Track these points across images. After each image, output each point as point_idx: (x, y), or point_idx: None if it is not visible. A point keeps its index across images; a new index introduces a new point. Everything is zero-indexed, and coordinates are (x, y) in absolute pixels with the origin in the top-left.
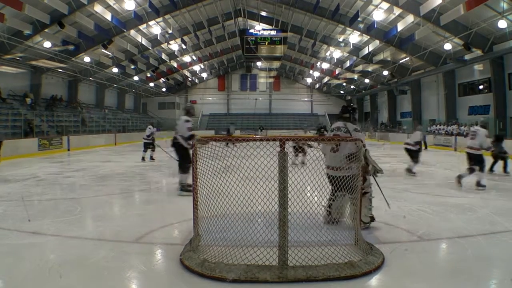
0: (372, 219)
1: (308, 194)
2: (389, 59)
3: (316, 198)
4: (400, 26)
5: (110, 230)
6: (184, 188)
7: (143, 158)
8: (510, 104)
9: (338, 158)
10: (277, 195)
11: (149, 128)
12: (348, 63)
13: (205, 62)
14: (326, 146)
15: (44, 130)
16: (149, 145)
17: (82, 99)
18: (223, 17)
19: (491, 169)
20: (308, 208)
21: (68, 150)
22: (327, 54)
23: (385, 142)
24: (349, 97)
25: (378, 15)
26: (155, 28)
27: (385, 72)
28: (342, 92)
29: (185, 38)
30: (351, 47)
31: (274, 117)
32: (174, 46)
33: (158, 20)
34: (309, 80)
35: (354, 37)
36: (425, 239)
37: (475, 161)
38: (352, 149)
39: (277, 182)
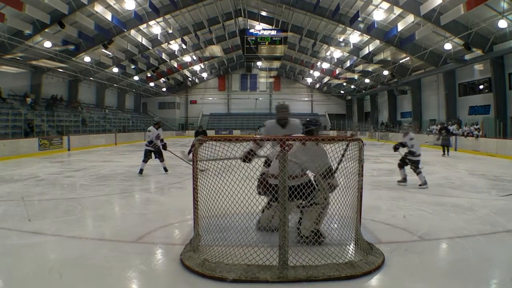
0: (317, 235)
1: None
2: (389, 59)
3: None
4: (400, 26)
5: (110, 230)
6: None
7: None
8: (510, 104)
9: (294, 166)
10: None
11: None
12: (348, 63)
13: (205, 62)
14: (275, 151)
15: (44, 130)
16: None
17: (82, 99)
18: (223, 17)
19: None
20: None
21: (69, 150)
22: (327, 54)
23: (385, 142)
24: (349, 97)
25: (378, 15)
26: (155, 28)
27: (386, 72)
28: (342, 92)
29: (185, 38)
30: (351, 47)
31: (274, 117)
32: (174, 46)
33: (158, 20)
34: (309, 80)
35: (354, 37)
36: (425, 239)
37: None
38: (327, 162)
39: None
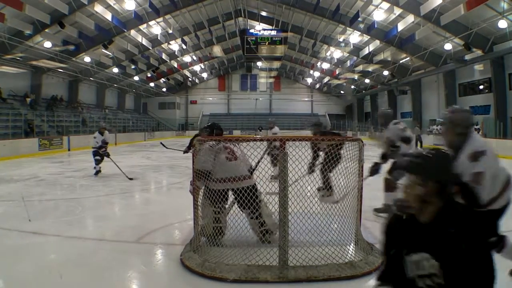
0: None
1: (309, 194)
2: (389, 59)
3: (316, 198)
4: (400, 26)
5: (111, 230)
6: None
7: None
8: (510, 104)
9: (238, 167)
10: (277, 195)
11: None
12: (348, 63)
13: (205, 62)
14: (212, 157)
15: (45, 130)
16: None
17: (83, 99)
18: (223, 17)
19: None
20: (309, 208)
21: (69, 150)
22: (328, 54)
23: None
24: (350, 97)
25: (379, 15)
26: (156, 28)
27: (386, 72)
28: (342, 92)
29: (186, 38)
30: (352, 47)
31: (274, 117)
32: (175, 46)
33: (158, 20)
34: (309, 80)
35: (355, 37)
36: None
37: None
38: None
39: (277, 182)
